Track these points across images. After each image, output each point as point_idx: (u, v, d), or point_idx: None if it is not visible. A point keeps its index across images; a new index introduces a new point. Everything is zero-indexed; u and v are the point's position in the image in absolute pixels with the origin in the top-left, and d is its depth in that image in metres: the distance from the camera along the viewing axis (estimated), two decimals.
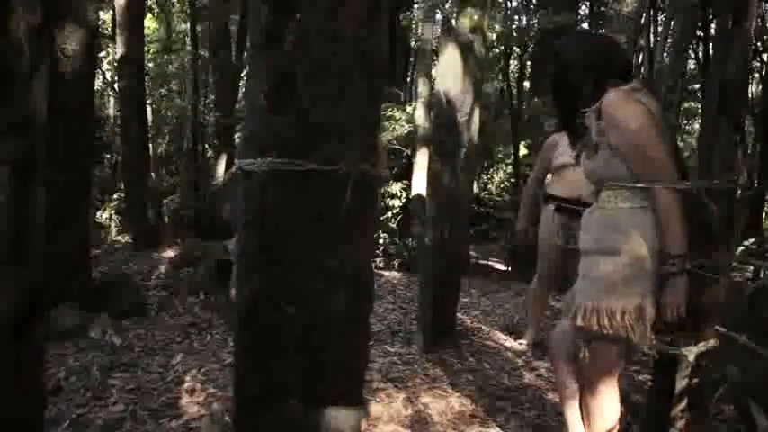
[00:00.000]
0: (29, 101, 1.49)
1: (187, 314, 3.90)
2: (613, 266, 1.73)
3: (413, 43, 11.88)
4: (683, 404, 1.72)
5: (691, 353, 1.68)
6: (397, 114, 8.22)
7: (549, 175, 3.64)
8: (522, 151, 9.39)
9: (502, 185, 9.78)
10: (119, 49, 6.76)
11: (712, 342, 1.72)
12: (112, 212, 8.72)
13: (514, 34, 9.06)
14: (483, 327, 4.17)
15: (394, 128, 8.03)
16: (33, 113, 1.51)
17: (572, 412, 1.98)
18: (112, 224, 8.37)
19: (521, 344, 3.70)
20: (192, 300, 4.18)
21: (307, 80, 1.44)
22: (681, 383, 1.73)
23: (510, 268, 7.07)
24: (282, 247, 1.48)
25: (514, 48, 9.96)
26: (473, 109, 3.55)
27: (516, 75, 10.67)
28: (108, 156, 10.29)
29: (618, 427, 1.89)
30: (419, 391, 2.83)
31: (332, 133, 1.46)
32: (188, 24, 10.31)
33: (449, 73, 3.45)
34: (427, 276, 3.56)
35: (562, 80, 1.90)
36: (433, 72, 9.15)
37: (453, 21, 3.69)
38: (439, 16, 8.66)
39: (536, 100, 9.36)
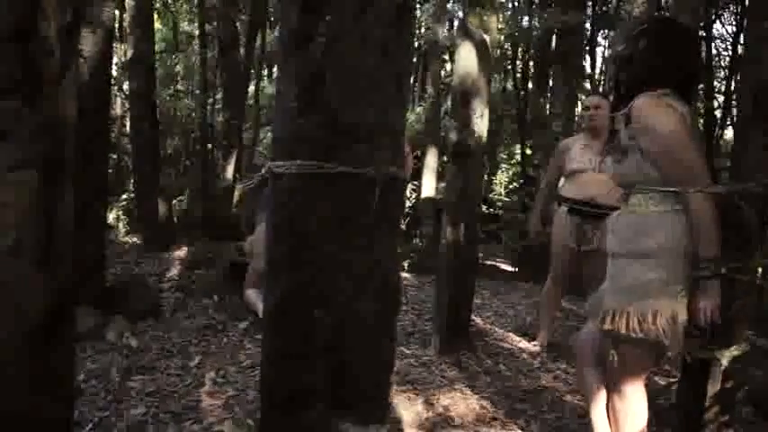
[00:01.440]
0: (58, 102, 1.49)
1: (202, 316, 3.88)
2: (644, 270, 1.71)
3: (416, 43, 11.87)
4: (716, 408, 1.70)
5: (724, 357, 1.66)
6: (407, 115, 8.22)
7: (561, 179, 3.67)
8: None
9: (510, 186, 9.73)
10: (129, 50, 6.75)
11: (744, 346, 1.69)
12: (120, 213, 8.70)
13: (518, 34, 9.02)
14: (496, 328, 4.16)
15: None
16: (63, 115, 1.50)
17: (599, 415, 1.97)
18: (120, 225, 8.35)
19: (535, 345, 3.69)
20: (206, 301, 4.16)
21: (336, 81, 1.42)
22: (714, 388, 1.71)
23: (518, 269, 7.04)
24: (311, 250, 1.47)
25: (519, 47, 9.93)
26: (484, 109, 3.54)
27: (521, 75, 10.59)
28: (114, 156, 10.27)
29: (645, 430, 1.87)
30: (438, 393, 2.81)
31: (361, 135, 1.45)
32: (194, 25, 10.30)
33: (464, 73, 3.43)
34: (442, 278, 3.55)
35: (644, 57, 1.81)
36: (442, 72, 9.13)
37: (466, 20, 3.67)
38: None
39: (542, 101, 9.31)
